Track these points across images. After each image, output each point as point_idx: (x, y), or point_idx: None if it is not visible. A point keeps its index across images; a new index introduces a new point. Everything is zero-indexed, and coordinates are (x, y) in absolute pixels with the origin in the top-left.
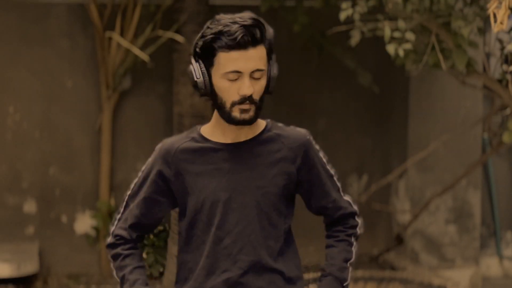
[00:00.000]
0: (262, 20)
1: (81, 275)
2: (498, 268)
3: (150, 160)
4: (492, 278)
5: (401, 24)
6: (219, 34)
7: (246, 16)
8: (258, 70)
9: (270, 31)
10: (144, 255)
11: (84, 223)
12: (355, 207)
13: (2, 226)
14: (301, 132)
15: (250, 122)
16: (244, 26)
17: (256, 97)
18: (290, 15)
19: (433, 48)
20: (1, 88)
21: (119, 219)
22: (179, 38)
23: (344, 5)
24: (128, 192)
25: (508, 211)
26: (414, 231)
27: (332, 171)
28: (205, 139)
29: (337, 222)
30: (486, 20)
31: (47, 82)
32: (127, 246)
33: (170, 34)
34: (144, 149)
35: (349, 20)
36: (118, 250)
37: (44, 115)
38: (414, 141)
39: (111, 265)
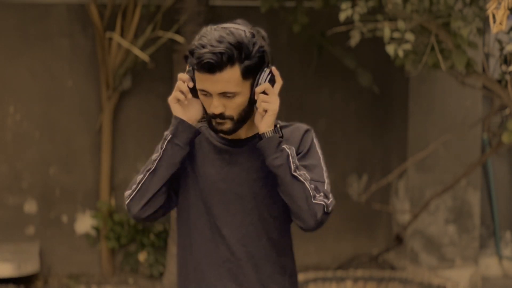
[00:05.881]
0: (245, 39)
1: (81, 275)
2: (498, 268)
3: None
4: (491, 278)
5: (400, 24)
6: (191, 53)
7: (226, 39)
8: (226, 92)
9: (251, 48)
10: (144, 255)
11: (85, 223)
12: (328, 202)
13: (2, 226)
14: (302, 125)
15: (228, 133)
16: (211, 52)
17: (230, 113)
18: (290, 15)
19: (432, 48)
20: (1, 88)
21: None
22: (179, 38)
23: (343, 5)
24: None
25: (508, 211)
26: (414, 231)
27: (325, 168)
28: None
29: None
30: (486, 20)
31: (47, 82)
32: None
33: (170, 35)
34: (144, 149)
35: (349, 21)
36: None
37: (44, 115)
38: (414, 141)
39: (140, 184)
